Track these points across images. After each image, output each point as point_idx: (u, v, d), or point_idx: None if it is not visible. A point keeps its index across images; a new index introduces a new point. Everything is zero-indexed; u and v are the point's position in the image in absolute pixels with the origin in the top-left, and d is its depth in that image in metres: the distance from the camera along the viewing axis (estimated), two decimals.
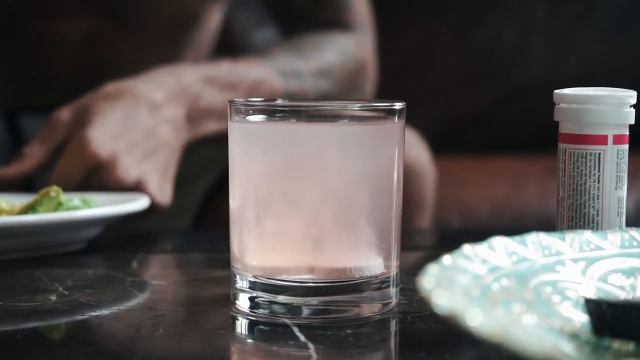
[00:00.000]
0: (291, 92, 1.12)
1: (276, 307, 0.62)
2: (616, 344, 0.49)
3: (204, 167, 1.24)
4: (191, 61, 1.28)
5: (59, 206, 0.83)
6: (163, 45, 1.24)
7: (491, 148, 1.88)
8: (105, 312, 0.65)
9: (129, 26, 1.20)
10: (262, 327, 0.61)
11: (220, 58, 1.13)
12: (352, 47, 1.22)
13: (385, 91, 1.35)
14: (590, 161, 0.65)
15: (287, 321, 0.61)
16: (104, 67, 1.21)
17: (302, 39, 1.21)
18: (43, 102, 1.18)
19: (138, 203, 0.86)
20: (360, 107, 0.64)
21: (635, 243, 0.59)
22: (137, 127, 0.97)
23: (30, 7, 1.17)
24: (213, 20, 1.28)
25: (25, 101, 1.23)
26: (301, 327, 0.60)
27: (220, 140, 1.16)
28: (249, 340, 0.61)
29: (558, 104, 0.66)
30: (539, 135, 1.55)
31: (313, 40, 1.20)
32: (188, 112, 1.04)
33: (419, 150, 1.20)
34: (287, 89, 1.12)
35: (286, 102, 0.66)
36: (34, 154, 0.95)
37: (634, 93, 0.66)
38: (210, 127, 1.07)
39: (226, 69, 1.09)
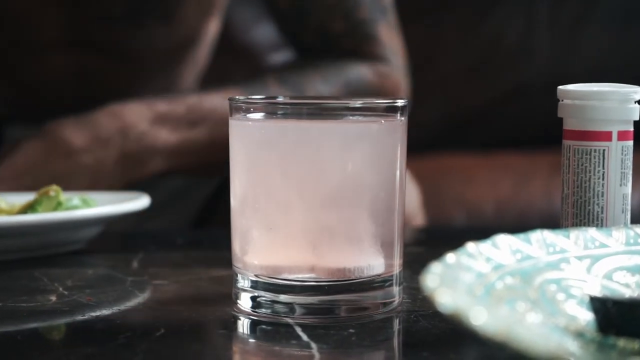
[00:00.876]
0: None
1: (278, 307, 0.62)
2: (622, 342, 0.49)
3: (171, 199, 1.24)
4: (191, 79, 1.27)
5: (58, 206, 0.82)
6: (161, 69, 1.23)
7: (495, 145, 1.88)
8: (105, 312, 0.65)
9: (121, 59, 1.19)
10: (264, 326, 0.61)
11: (206, 85, 1.13)
12: (368, 75, 1.19)
13: None
14: (594, 158, 0.64)
15: (289, 321, 0.61)
16: (100, 98, 1.20)
17: (306, 67, 1.18)
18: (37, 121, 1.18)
19: (138, 202, 0.86)
20: (362, 104, 0.64)
21: None
22: (44, 172, 0.98)
23: (16, 45, 1.17)
24: (212, 31, 1.27)
25: (17, 116, 1.23)
26: (304, 327, 0.60)
27: (190, 172, 1.17)
28: (251, 340, 0.61)
29: (562, 101, 0.66)
30: (543, 132, 1.55)
31: (318, 68, 1.17)
32: (124, 153, 1.04)
33: (409, 196, 1.19)
34: None
35: (287, 100, 0.66)
36: None
37: (639, 89, 0.65)
38: (156, 166, 1.07)
39: (185, 106, 1.09)
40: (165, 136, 1.07)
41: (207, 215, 1.25)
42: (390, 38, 1.22)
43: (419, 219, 1.18)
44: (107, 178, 1.04)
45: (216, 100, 1.11)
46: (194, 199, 1.25)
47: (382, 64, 1.21)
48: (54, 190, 0.83)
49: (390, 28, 1.22)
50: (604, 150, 0.64)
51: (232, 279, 0.65)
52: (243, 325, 0.62)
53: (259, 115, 0.64)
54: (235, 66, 1.71)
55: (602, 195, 0.64)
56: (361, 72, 1.19)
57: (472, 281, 0.50)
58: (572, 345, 0.48)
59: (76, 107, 1.15)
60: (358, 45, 1.20)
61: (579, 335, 0.49)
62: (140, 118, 1.06)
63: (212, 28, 1.26)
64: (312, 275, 0.61)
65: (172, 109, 1.08)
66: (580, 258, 0.56)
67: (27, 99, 1.22)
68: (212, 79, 1.29)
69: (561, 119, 0.66)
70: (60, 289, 0.70)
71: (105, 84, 1.20)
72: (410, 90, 1.26)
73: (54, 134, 1.03)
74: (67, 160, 1.02)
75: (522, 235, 0.56)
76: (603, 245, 0.57)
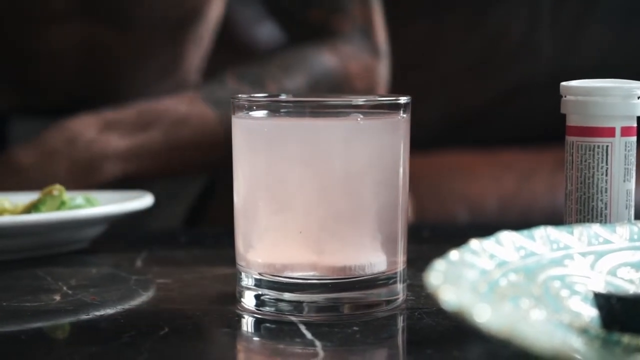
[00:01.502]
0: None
1: (282, 305, 0.62)
2: (626, 339, 0.49)
3: (183, 182, 1.24)
4: (195, 58, 1.27)
5: (62, 205, 0.82)
6: (164, 44, 1.23)
7: (498, 141, 1.87)
8: (109, 311, 0.65)
9: (127, 29, 1.19)
10: (268, 325, 0.61)
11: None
12: (331, 61, 1.16)
13: (390, 85, 1.34)
14: (597, 154, 0.64)
15: (293, 319, 0.61)
16: (104, 70, 1.20)
17: (265, 60, 1.17)
18: (42, 105, 1.18)
19: (142, 201, 0.86)
20: (365, 101, 0.64)
21: None
22: None
23: (23, 15, 1.17)
24: (215, 12, 1.27)
25: (23, 104, 1.23)
26: (308, 325, 0.59)
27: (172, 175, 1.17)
28: (255, 339, 0.61)
29: (565, 97, 0.66)
30: (546, 129, 1.55)
31: (280, 59, 1.16)
32: (73, 162, 1.05)
33: None
34: (225, 120, 1.10)
35: (290, 98, 0.66)
36: None
37: None
38: (111, 171, 1.08)
39: (136, 111, 1.09)
40: (116, 141, 1.07)
41: (196, 215, 1.25)
42: (364, 14, 1.19)
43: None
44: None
45: (169, 103, 1.11)
46: (184, 200, 1.25)
47: (348, 43, 1.18)
48: (57, 189, 0.83)
49: (365, 4, 1.19)
50: (607, 146, 0.64)
51: (235, 278, 0.65)
52: (247, 324, 0.62)
53: (261, 113, 0.63)
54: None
55: (606, 192, 0.64)
56: (324, 59, 1.16)
57: (475, 278, 0.50)
58: (576, 342, 0.48)
59: (78, 79, 1.15)
60: (327, 18, 1.18)
61: (583, 331, 0.49)
62: (87, 127, 1.07)
63: (215, 9, 1.26)
64: (316, 273, 0.61)
65: (121, 115, 1.09)
66: (584, 254, 0.56)
67: (29, 70, 1.21)
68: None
69: (564, 115, 0.66)
70: (64, 288, 0.71)
71: (109, 56, 1.20)
72: (389, 73, 1.23)
73: (5, 156, 1.06)
74: (17, 178, 1.04)
75: (525, 232, 0.56)
76: (607, 242, 0.57)
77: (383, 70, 1.21)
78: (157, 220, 1.19)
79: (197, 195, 1.26)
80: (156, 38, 1.21)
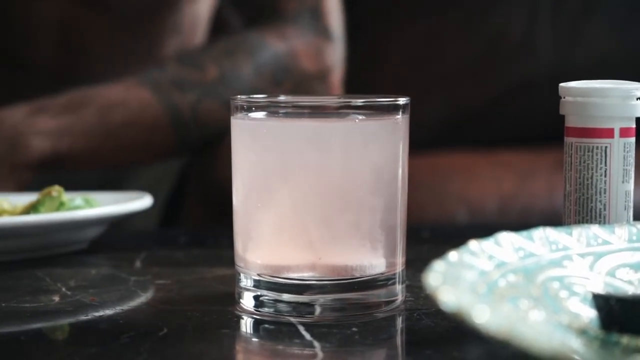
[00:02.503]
0: (173, 104, 1.09)
1: (281, 306, 0.62)
2: (625, 339, 0.49)
3: (154, 183, 1.24)
4: (174, 47, 1.26)
5: (60, 206, 0.82)
6: (139, 29, 1.22)
7: (498, 142, 1.87)
8: (108, 312, 0.65)
9: (103, 10, 1.19)
10: (267, 325, 0.61)
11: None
12: (278, 46, 1.15)
13: (390, 84, 1.34)
14: (596, 155, 0.64)
15: (292, 320, 0.61)
16: (81, 51, 1.20)
17: (209, 45, 1.17)
18: (20, 85, 1.18)
19: (141, 202, 0.86)
20: (363, 102, 0.64)
21: None
22: None
23: None
24: (198, 7, 1.26)
25: (1, 82, 1.23)
26: (307, 326, 0.59)
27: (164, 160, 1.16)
28: (254, 339, 0.61)
29: (564, 98, 0.66)
30: (546, 129, 1.54)
31: (226, 44, 1.15)
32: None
33: None
34: (165, 102, 1.09)
35: (288, 99, 0.66)
36: None
37: None
38: (41, 147, 1.06)
39: (68, 97, 1.08)
40: (45, 121, 1.05)
41: (172, 215, 1.24)
42: None
43: None
44: None
45: (102, 88, 1.09)
46: (159, 194, 1.24)
47: (293, 25, 1.17)
48: (56, 190, 0.83)
49: None
50: (606, 147, 0.64)
51: (234, 278, 0.65)
52: (246, 325, 0.62)
53: (260, 115, 0.63)
54: None
55: (605, 192, 0.64)
56: (268, 42, 1.15)
57: (474, 279, 0.50)
58: (575, 343, 0.48)
59: (56, 58, 1.15)
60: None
61: (582, 332, 0.49)
62: (16, 111, 1.06)
63: (200, 3, 1.25)
64: (315, 274, 0.61)
65: (50, 101, 1.08)
66: (583, 255, 0.56)
67: (9, 43, 1.21)
68: None
69: (563, 116, 0.66)
70: (64, 289, 0.71)
71: (85, 36, 1.19)
72: (343, 57, 1.21)
73: None
74: None
75: (524, 233, 0.56)
76: (606, 243, 0.57)
77: (335, 52, 1.19)
78: (133, 225, 1.18)
79: (169, 198, 1.26)
80: (130, 23, 1.21)
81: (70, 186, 0.88)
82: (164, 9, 1.22)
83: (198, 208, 1.18)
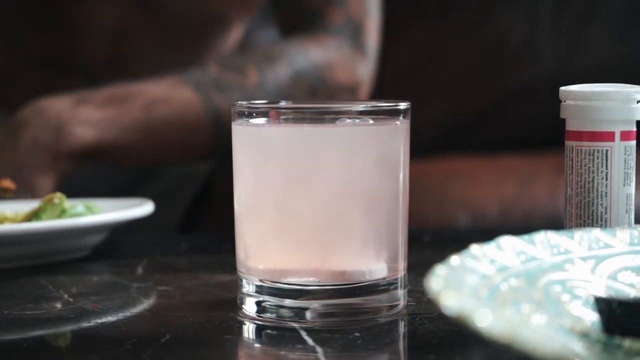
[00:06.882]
0: (214, 105, 1.10)
1: (283, 311, 0.62)
2: (627, 343, 0.49)
3: (178, 184, 1.24)
4: None
5: (62, 213, 0.82)
6: (187, 42, 1.23)
7: (499, 146, 1.87)
8: (110, 319, 0.65)
9: (158, 19, 1.19)
10: (269, 331, 0.61)
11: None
12: (317, 57, 1.16)
13: (391, 89, 1.34)
14: (597, 158, 0.64)
15: (294, 325, 0.61)
16: (130, 57, 1.21)
17: (250, 51, 1.18)
18: (66, 88, 1.18)
19: (142, 209, 0.86)
20: (364, 107, 0.64)
21: None
22: None
23: None
24: (237, 33, 1.27)
25: (48, 87, 1.23)
26: (309, 331, 0.59)
27: (193, 161, 1.17)
28: (257, 345, 0.61)
29: (564, 101, 0.66)
30: (548, 133, 1.54)
31: (267, 51, 1.16)
32: (42, 129, 1.04)
33: None
34: (206, 102, 1.09)
35: (289, 104, 0.66)
36: None
37: None
38: (84, 134, 1.05)
39: (111, 90, 1.08)
40: (90, 112, 1.06)
41: (192, 221, 1.24)
42: (359, 13, 1.19)
43: None
44: (27, 157, 1.04)
45: (147, 84, 1.10)
46: (179, 204, 1.24)
47: (334, 37, 1.18)
48: (58, 197, 0.83)
49: (364, 4, 1.19)
50: (607, 150, 0.64)
51: (236, 284, 0.65)
52: (248, 330, 0.62)
53: (261, 120, 0.64)
54: None
55: (606, 196, 0.64)
56: (308, 52, 1.16)
57: (476, 283, 0.50)
58: (577, 346, 0.48)
59: (106, 65, 1.16)
60: (322, 9, 1.18)
61: (585, 336, 0.49)
62: (59, 101, 1.06)
63: (238, 30, 1.26)
64: (317, 279, 0.61)
65: (93, 93, 1.08)
66: (584, 259, 0.56)
67: (60, 50, 1.22)
68: None
69: (564, 120, 0.66)
70: (66, 296, 0.71)
71: (138, 45, 1.20)
72: (375, 78, 1.23)
73: None
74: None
75: (526, 237, 0.56)
76: (607, 246, 0.57)
77: (366, 69, 1.21)
78: (153, 225, 1.19)
79: (192, 201, 1.26)
80: (181, 34, 1.22)
81: (93, 185, 0.88)
82: (207, 26, 1.22)
83: (220, 212, 1.18)
